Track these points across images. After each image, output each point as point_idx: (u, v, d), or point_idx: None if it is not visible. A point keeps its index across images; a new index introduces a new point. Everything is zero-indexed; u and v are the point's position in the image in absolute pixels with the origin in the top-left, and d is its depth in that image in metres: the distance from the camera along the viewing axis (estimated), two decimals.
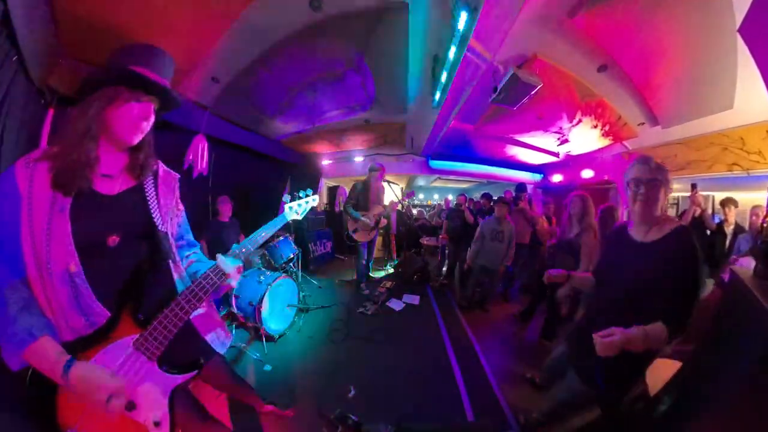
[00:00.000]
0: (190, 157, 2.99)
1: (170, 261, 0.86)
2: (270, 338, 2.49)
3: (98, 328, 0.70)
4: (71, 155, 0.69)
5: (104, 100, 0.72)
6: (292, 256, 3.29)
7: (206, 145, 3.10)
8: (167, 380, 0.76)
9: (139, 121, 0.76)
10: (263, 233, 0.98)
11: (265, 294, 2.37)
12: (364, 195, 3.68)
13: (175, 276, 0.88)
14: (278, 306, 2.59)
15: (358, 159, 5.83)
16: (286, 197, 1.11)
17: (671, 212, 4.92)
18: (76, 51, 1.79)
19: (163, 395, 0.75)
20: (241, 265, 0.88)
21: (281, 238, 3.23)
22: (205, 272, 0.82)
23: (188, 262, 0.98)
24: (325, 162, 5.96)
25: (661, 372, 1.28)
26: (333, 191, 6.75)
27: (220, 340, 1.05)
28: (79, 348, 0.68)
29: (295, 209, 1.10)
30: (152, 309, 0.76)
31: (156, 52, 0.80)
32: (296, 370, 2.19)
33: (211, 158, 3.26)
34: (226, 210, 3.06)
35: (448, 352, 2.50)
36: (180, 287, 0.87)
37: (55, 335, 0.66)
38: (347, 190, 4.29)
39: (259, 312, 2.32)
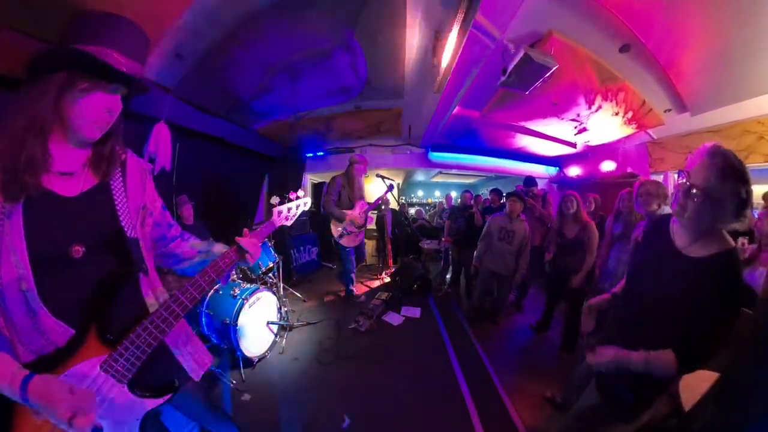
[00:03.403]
0: (150, 149, 2.93)
1: (141, 273, 0.85)
2: (248, 362, 2.47)
3: (60, 347, 0.71)
4: (13, 154, 0.65)
5: (58, 88, 0.68)
6: (271, 265, 3.27)
7: (168, 134, 3.04)
8: (139, 405, 0.78)
9: (102, 113, 0.73)
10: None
11: (240, 310, 2.34)
12: (348, 190, 3.70)
13: (147, 289, 0.88)
14: (256, 324, 2.57)
15: (348, 151, 5.81)
16: (275, 199, 1.12)
17: None
18: (15, 19, 1.73)
19: (135, 420, 0.77)
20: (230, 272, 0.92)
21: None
22: (184, 286, 0.83)
23: (190, 255, 1.01)
24: (310, 155, 5.94)
25: (695, 383, 1.31)
26: (318, 189, 6.72)
27: (197, 361, 1.04)
28: (40, 369, 0.67)
29: (285, 213, 1.12)
30: (121, 326, 0.77)
31: (125, 27, 0.76)
32: (280, 398, 2.17)
33: (175, 151, 3.20)
34: (186, 212, 3.03)
35: (455, 371, 2.52)
36: (152, 301, 0.88)
37: (10, 352, 0.67)
38: None
39: (234, 332, 2.29)
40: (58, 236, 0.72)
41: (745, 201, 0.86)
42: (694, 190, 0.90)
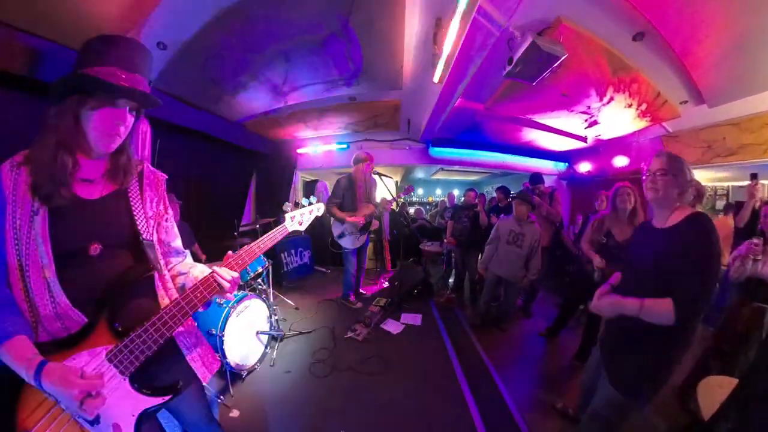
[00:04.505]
0: (129, 143, 2.92)
1: (155, 272, 0.99)
2: (236, 376, 2.46)
3: (72, 333, 0.83)
4: (48, 164, 0.82)
5: (73, 108, 0.84)
6: (261, 270, 3.25)
7: (148, 129, 3.03)
8: (137, 400, 0.86)
9: (112, 126, 0.87)
10: (261, 244, 1.10)
11: (227, 320, 2.34)
12: (351, 192, 3.71)
13: (160, 288, 1.01)
14: (245, 334, 2.57)
15: (342, 147, 5.82)
16: (287, 206, 1.24)
17: (720, 204, 5.16)
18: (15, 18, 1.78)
19: (131, 415, 0.85)
20: (237, 276, 1.01)
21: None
22: (194, 284, 0.95)
23: (174, 272, 1.09)
24: (301, 151, 5.93)
25: (714, 391, 1.34)
26: (311, 187, 6.72)
27: (206, 365, 1.10)
28: (51, 350, 0.79)
29: (298, 219, 1.22)
30: (132, 320, 0.88)
31: (131, 47, 0.90)
32: (270, 415, 2.17)
33: (155, 146, 3.20)
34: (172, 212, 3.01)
35: (459, 382, 2.54)
36: (165, 301, 1.00)
37: (31, 336, 0.79)
38: (329, 186, 4.30)
39: (221, 342, 2.29)
40: (78, 234, 0.86)
41: (692, 178, 1.32)
42: (661, 173, 1.32)
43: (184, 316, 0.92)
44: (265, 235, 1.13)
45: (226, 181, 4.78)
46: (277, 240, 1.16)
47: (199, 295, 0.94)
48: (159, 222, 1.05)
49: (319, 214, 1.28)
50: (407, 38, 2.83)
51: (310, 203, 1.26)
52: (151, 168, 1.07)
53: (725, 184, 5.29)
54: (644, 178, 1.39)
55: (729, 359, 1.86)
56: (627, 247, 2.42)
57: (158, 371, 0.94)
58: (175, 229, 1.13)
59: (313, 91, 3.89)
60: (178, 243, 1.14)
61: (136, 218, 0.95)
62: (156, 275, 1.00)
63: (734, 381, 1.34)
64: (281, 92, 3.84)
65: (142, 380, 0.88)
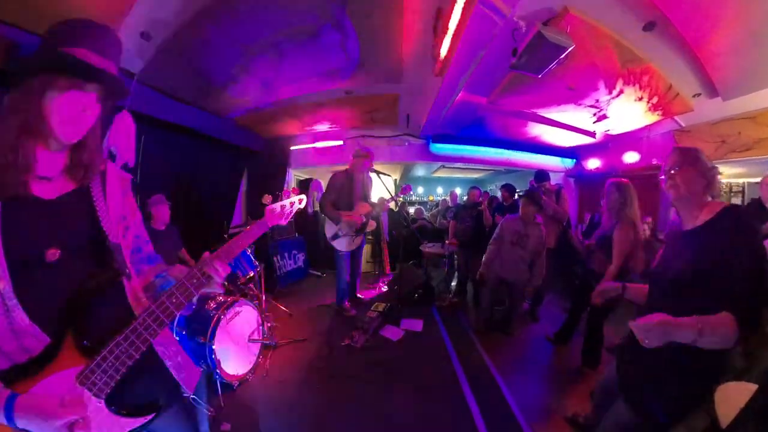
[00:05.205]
0: (110, 142, 2.91)
1: (124, 278, 0.92)
2: (227, 387, 2.45)
3: (35, 356, 0.76)
4: (6, 156, 0.75)
5: (40, 89, 0.77)
6: (252, 273, 3.25)
7: (132, 125, 3.02)
8: (115, 424, 0.81)
9: (77, 112, 0.81)
10: (240, 243, 1.05)
11: (217, 327, 2.33)
12: (348, 189, 3.69)
13: (130, 296, 0.95)
14: (236, 343, 2.56)
15: (338, 143, 5.82)
16: (267, 198, 1.21)
17: (736, 200, 5.19)
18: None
19: None
20: (226, 265, 0.98)
21: None
22: (168, 289, 0.90)
23: (146, 279, 1.04)
24: (294, 148, 5.92)
25: (732, 396, 1.34)
26: (305, 186, 6.71)
27: (188, 374, 1.08)
28: (12, 379, 0.72)
29: (278, 212, 1.18)
30: (102, 335, 0.81)
31: (100, 30, 0.86)
32: (264, 427, 2.16)
33: (140, 143, 3.18)
34: (161, 214, 3.01)
35: (463, 391, 2.54)
36: (137, 309, 0.93)
37: None
38: (323, 184, 4.30)
39: (211, 352, 2.27)
40: (32, 238, 0.79)
41: (713, 166, 1.25)
42: (677, 167, 1.25)
43: (161, 325, 0.87)
44: (243, 232, 1.09)
45: (215, 179, 4.76)
46: (256, 236, 1.12)
47: (175, 300, 0.89)
48: (126, 226, 1.00)
49: (301, 206, 1.26)
50: (406, 28, 2.83)
51: (290, 195, 1.24)
52: (116, 168, 1.02)
53: (740, 180, 5.32)
54: (662, 179, 1.32)
55: (754, 360, 1.86)
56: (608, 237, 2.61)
57: (137, 387, 0.88)
58: (146, 234, 1.09)
59: (306, 84, 3.88)
60: (149, 248, 1.09)
61: (100, 218, 0.89)
62: (125, 281, 0.94)
63: (753, 387, 1.34)
64: (273, 86, 3.83)
65: (119, 400, 0.82)
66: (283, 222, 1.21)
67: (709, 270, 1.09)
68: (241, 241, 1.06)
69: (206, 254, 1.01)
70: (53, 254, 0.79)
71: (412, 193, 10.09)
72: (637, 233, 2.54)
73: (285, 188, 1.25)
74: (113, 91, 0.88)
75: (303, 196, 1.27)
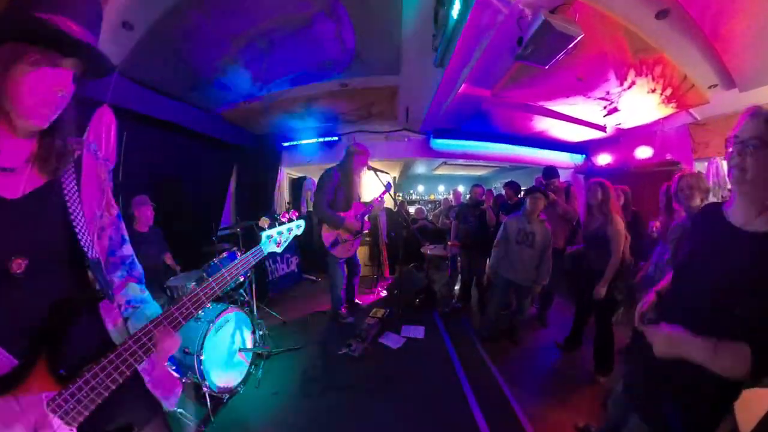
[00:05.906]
0: (90, 139, 2.89)
1: (106, 299, 0.87)
2: (217, 399, 2.43)
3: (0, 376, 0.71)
4: None
5: (3, 62, 0.68)
6: (242, 279, 3.24)
7: (113, 121, 3.01)
8: None
9: (52, 93, 0.73)
10: (226, 273, 1.02)
11: (206, 336, 2.32)
12: (346, 188, 3.66)
13: (107, 318, 0.89)
14: (226, 352, 2.55)
15: (333, 138, 5.81)
16: (264, 221, 1.20)
17: None
18: None
19: None
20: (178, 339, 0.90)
21: (226, 253, 3.17)
22: (145, 327, 0.82)
23: (120, 298, 0.96)
24: (287, 144, 5.91)
25: (751, 405, 1.34)
26: (298, 185, 6.70)
27: (168, 389, 1.04)
28: None
29: (275, 239, 1.17)
30: (77, 362, 0.76)
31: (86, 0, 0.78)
32: None
33: (122, 140, 3.17)
34: (145, 216, 3.00)
35: (468, 401, 2.53)
36: (114, 335, 0.89)
37: None
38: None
39: (200, 363, 2.26)
40: None
41: None
42: (750, 142, 0.98)
43: (138, 360, 0.81)
44: (238, 260, 1.07)
45: (203, 178, 4.76)
46: (251, 264, 1.11)
47: (140, 345, 0.82)
48: (103, 227, 0.92)
49: (299, 233, 1.26)
50: (406, 17, 2.82)
51: (290, 219, 1.23)
52: (93, 152, 0.92)
53: None
54: (729, 148, 1.05)
55: None
56: (598, 236, 2.72)
57: (111, 409, 0.82)
58: (123, 232, 1.01)
59: (299, 76, 3.88)
60: (125, 250, 1.01)
61: (73, 222, 0.80)
62: (103, 303, 0.89)
63: None
64: (264, 78, 3.82)
65: (90, 425, 0.77)
66: (278, 249, 1.21)
67: (753, 288, 0.95)
68: (236, 270, 1.04)
69: (192, 288, 0.97)
70: (19, 265, 0.72)
71: (391, 186, 10.07)
72: (624, 224, 2.79)
73: (284, 212, 1.26)
74: (95, 69, 0.80)
75: (302, 222, 1.27)
